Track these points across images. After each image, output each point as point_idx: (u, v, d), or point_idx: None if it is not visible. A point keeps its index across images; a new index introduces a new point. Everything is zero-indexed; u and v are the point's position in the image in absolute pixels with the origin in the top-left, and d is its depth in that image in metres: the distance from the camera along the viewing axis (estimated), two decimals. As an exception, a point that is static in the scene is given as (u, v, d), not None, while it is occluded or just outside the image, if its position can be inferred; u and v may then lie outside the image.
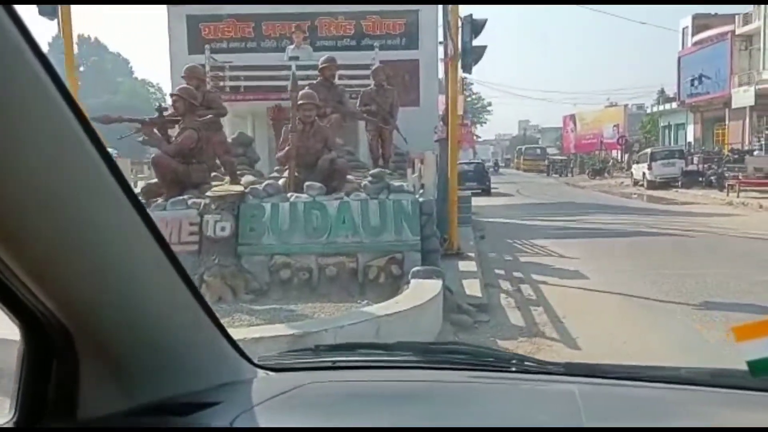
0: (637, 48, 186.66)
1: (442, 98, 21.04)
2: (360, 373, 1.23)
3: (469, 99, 65.39)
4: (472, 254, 9.98)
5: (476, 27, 9.45)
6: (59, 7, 8.63)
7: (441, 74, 19.83)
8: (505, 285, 8.52)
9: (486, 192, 27.04)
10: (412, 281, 5.75)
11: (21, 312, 0.77)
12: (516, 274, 9.37)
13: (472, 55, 9.45)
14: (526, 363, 1.30)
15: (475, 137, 72.71)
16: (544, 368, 1.25)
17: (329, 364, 1.26)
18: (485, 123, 73.29)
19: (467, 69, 9.73)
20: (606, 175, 37.32)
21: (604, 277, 8.74)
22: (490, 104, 70.57)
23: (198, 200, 6.75)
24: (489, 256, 11.02)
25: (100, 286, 0.78)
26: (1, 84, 0.60)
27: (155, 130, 7.85)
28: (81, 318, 0.79)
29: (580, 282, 8.62)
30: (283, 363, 1.24)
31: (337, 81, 13.62)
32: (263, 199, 6.81)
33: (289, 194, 6.96)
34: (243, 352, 1.10)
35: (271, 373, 1.15)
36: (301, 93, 7.84)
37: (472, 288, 7.34)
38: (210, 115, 8.18)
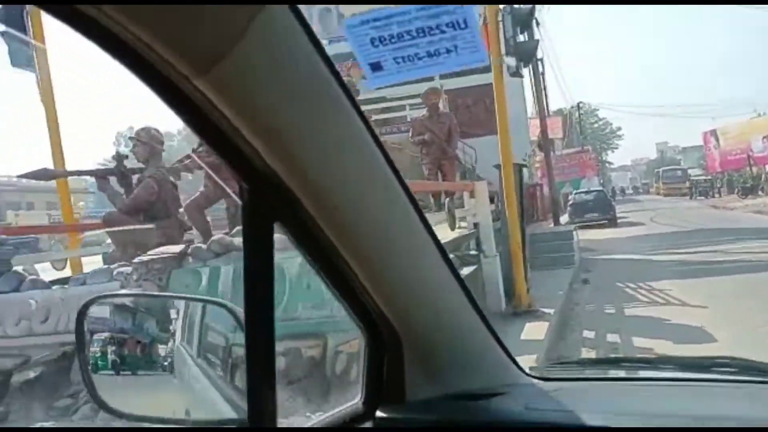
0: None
1: (534, 122, 18.70)
2: (626, 386, 1.25)
3: (596, 125, 61.50)
4: (551, 311, 7.49)
5: (520, 19, 7.19)
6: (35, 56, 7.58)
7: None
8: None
9: (611, 223, 23.66)
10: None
11: (364, 318, 0.97)
12: (610, 337, 6.77)
13: (518, 54, 7.16)
14: None
15: (607, 164, 67.92)
16: None
17: (595, 377, 1.29)
18: (616, 149, 68.39)
19: (516, 71, 7.43)
20: (760, 192, 32.10)
21: (740, 339, 5.93)
22: (619, 129, 65.80)
23: (127, 269, 5.07)
24: (585, 310, 8.44)
25: (417, 299, 0.96)
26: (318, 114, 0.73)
27: (115, 183, 6.40)
28: (405, 322, 0.97)
29: (702, 349, 5.85)
30: (551, 374, 1.26)
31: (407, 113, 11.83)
32: (207, 261, 5.00)
33: (246, 252, 5.08)
34: (515, 361, 1.16)
35: (540, 381, 1.17)
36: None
37: (521, 371, 4.95)
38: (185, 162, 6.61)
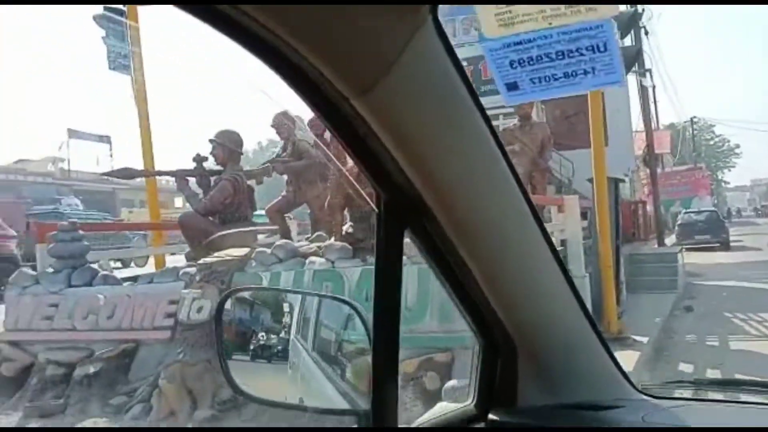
0: None
1: (641, 136, 17.52)
2: (742, 411, 1.17)
3: (711, 141, 57.57)
4: (645, 339, 6.83)
5: (621, 23, 6.64)
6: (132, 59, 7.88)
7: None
8: (679, 397, 5.34)
9: (723, 246, 21.82)
10: (438, 405, 3.25)
11: (480, 324, 1.00)
12: (710, 373, 6.05)
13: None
14: None
15: (723, 183, 63.45)
16: None
17: (710, 398, 1.25)
18: (733, 167, 63.72)
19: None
20: None
21: None
22: (737, 146, 61.22)
23: (192, 270, 5.05)
24: (684, 340, 7.66)
25: (535, 308, 0.98)
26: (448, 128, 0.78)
27: (194, 184, 6.47)
28: (521, 330, 0.98)
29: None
30: (664, 392, 1.22)
31: (500, 123, 11.49)
32: (270, 265, 4.88)
33: (310, 259, 4.93)
34: (627, 377, 1.14)
35: (652, 399, 1.14)
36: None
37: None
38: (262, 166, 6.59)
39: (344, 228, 5.64)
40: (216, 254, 5.13)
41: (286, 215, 8.13)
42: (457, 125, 0.77)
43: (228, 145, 6.31)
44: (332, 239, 5.68)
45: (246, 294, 1.22)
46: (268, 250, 5.01)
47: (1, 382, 4.87)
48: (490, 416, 1.02)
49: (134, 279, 5.43)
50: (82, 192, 31.55)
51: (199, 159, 6.48)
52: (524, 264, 0.94)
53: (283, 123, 7.33)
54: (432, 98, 0.73)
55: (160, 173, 6.97)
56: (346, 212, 5.82)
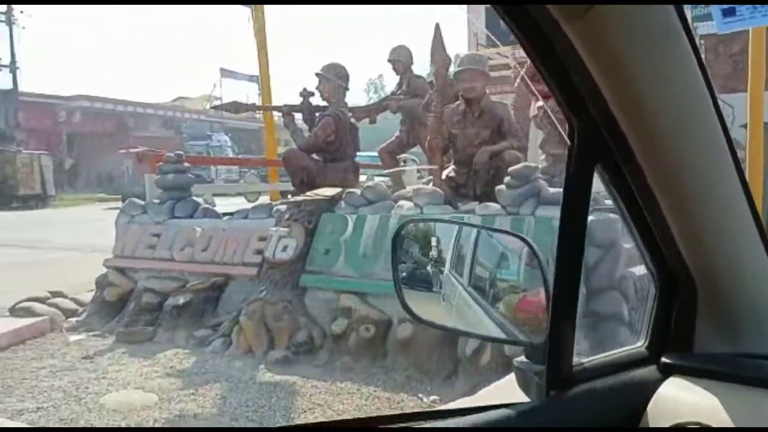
0: None
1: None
2: None
3: None
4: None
5: None
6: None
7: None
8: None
9: None
10: (502, 381, 2.89)
11: (658, 263, 0.96)
12: None
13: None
14: None
15: None
16: None
17: None
18: None
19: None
20: None
21: None
22: None
23: (283, 207, 4.98)
24: None
25: (723, 252, 0.92)
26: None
27: (299, 120, 6.38)
28: (705, 273, 0.93)
29: None
30: None
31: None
32: (358, 207, 4.66)
33: (399, 203, 4.65)
34: None
35: None
36: (462, 56, 5.44)
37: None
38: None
39: (445, 172, 5.28)
40: (307, 193, 5.00)
41: (407, 157, 7.89)
42: (666, 53, 0.74)
43: (333, 79, 6.10)
44: (430, 184, 5.36)
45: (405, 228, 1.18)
46: (358, 191, 4.79)
47: (104, 306, 5.18)
48: (663, 359, 0.96)
49: (232, 214, 5.50)
50: (232, 129, 33.46)
51: (306, 94, 6.34)
52: (718, 203, 0.88)
53: (399, 58, 7.00)
54: (645, 24, 0.71)
55: (267, 108, 6.94)
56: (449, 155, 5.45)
